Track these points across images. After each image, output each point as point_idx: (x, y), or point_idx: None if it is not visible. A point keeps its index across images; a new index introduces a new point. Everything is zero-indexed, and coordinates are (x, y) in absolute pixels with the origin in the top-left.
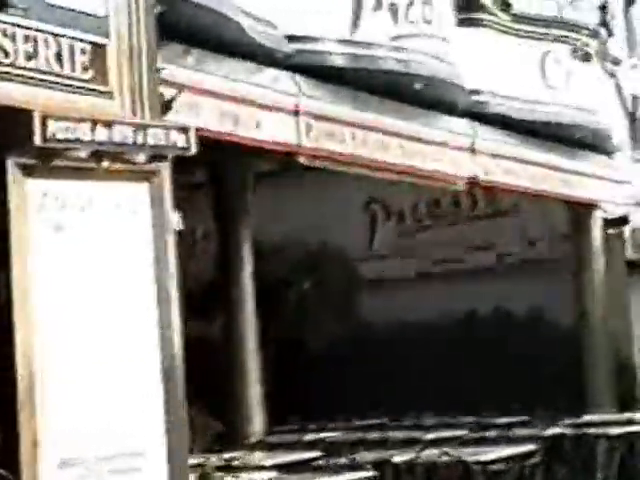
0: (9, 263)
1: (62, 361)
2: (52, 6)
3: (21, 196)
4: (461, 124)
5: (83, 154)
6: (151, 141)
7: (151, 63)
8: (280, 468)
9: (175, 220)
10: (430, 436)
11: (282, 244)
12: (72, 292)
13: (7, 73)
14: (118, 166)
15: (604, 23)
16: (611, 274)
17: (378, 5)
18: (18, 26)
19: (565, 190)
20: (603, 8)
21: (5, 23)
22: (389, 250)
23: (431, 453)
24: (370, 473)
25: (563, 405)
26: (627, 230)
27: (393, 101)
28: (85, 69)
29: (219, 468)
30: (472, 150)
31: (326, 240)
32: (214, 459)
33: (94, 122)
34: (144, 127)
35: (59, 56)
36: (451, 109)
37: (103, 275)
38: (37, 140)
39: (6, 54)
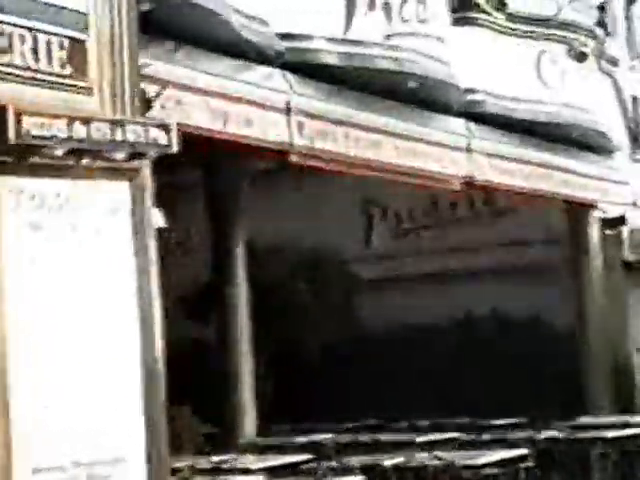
0: None
1: (37, 362)
2: (29, 0)
3: None
4: (457, 124)
5: (60, 151)
6: (130, 138)
7: (133, 59)
8: (268, 472)
9: (157, 219)
10: (422, 439)
11: (278, 245)
12: (49, 292)
13: None
14: (97, 164)
15: (601, 23)
16: (609, 275)
17: (371, 3)
18: None
19: (562, 190)
20: (602, 8)
21: None
22: (386, 251)
23: (421, 457)
24: (359, 477)
25: (561, 407)
26: (625, 231)
27: (387, 100)
28: (63, 65)
29: (206, 471)
30: (468, 150)
31: (323, 241)
32: (201, 462)
33: (71, 118)
34: (123, 124)
35: (35, 51)
36: (446, 108)
37: (81, 275)
38: (11, 136)
39: None
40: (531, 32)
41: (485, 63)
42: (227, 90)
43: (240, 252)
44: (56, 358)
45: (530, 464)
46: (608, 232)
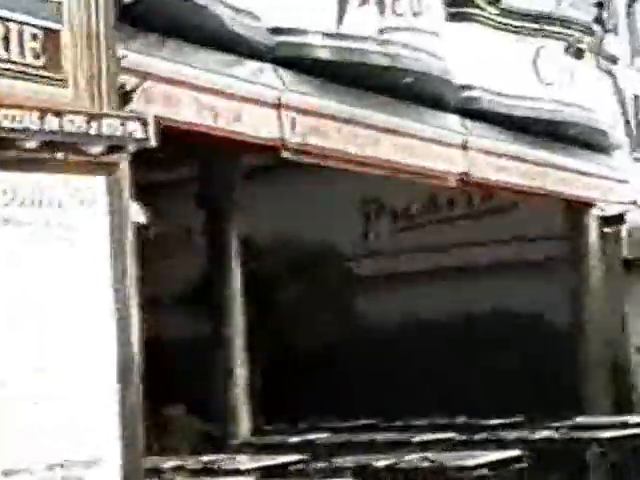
0: None
1: (8, 361)
2: None
3: None
4: (453, 120)
5: (33, 144)
6: (106, 131)
7: (110, 51)
8: (257, 472)
9: (136, 214)
10: (417, 439)
11: (275, 241)
12: (21, 289)
13: None
14: (73, 157)
15: (599, 20)
16: (608, 273)
17: None
18: None
19: (559, 188)
20: (600, 5)
21: None
22: (384, 248)
23: (412, 458)
24: (349, 479)
25: (559, 406)
26: (624, 229)
27: (380, 96)
28: (37, 56)
29: (195, 471)
30: (464, 147)
31: (320, 237)
32: (191, 462)
33: (43, 110)
34: (98, 117)
35: (6, 41)
36: (440, 104)
37: (55, 271)
38: None
39: None
40: (526, 28)
41: (482, 59)
42: (214, 85)
43: (234, 249)
44: (28, 357)
45: (523, 465)
46: (607, 230)
